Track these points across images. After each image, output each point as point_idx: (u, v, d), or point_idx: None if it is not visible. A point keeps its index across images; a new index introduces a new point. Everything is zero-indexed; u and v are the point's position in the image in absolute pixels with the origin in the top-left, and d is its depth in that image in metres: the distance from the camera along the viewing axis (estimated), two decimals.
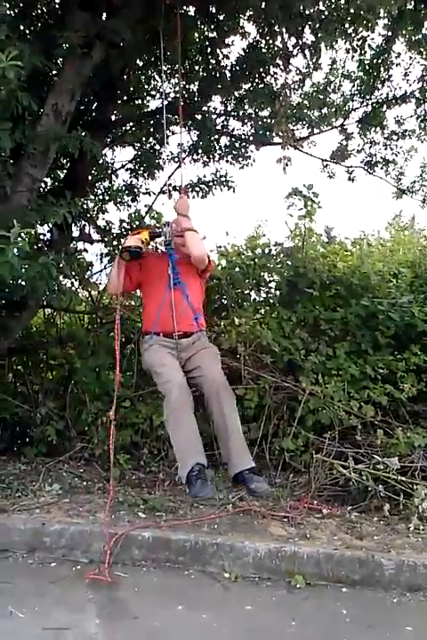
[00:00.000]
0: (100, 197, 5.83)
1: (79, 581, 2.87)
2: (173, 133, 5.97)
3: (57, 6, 4.61)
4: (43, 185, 4.36)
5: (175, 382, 3.34)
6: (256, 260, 5.20)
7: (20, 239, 3.14)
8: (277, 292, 5.27)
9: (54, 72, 4.31)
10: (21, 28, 4.26)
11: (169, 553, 3.10)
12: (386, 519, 3.67)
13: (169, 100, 5.62)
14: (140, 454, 4.46)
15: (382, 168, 6.54)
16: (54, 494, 3.77)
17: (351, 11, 5.00)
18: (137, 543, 3.12)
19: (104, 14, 4.26)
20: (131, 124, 5.71)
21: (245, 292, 5.31)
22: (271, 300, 5.29)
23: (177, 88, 5.77)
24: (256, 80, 5.72)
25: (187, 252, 3.62)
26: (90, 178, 5.20)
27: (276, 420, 4.47)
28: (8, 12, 4.06)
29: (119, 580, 2.91)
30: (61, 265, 3.99)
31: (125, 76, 5.21)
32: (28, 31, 4.36)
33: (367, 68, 6.12)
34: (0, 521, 3.25)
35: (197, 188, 5.95)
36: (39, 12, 4.55)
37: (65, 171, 4.99)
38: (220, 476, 4.22)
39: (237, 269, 5.10)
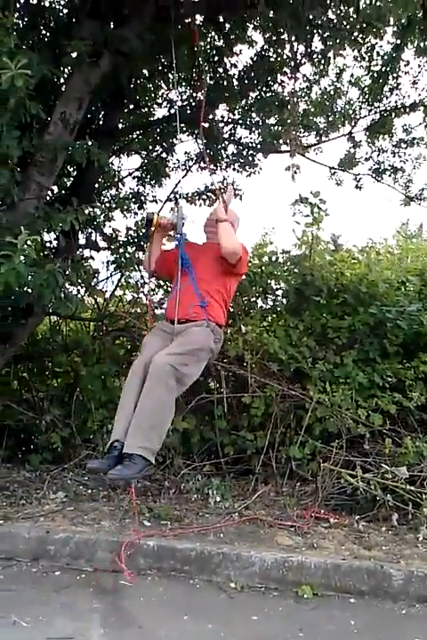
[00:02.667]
0: (107, 205, 5.84)
1: (84, 590, 2.85)
2: (181, 141, 6.00)
3: (65, 16, 4.64)
4: (50, 193, 4.37)
5: (136, 364, 3.26)
6: (263, 268, 5.19)
7: (26, 246, 3.14)
8: (284, 300, 5.25)
9: (62, 81, 4.33)
10: (30, 37, 4.29)
11: (175, 562, 3.08)
12: (394, 529, 3.64)
13: (177, 107, 5.64)
14: None
15: (390, 175, 6.51)
16: (59, 502, 3.76)
17: (361, 19, 4.99)
18: (142, 552, 3.10)
19: (112, 23, 4.28)
20: (138, 132, 5.73)
21: (252, 299, 5.29)
22: (278, 308, 5.27)
23: (186, 96, 5.81)
24: (264, 88, 5.73)
25: (215, 240, 3.51)
26: (97, 186, 5.21)
27: (282, 428, 4.44)
28: (17, 22, 4.11)
29: (124, 589, 2.88)
30: (68, 272, 3.99)
31: (132, 85, 5.23)
32: (36, 40, 4.38)
33: (376, 75, 6.11)
34: (4, 529, 3.25)
35: (204, 196, 5.95)
36: (48, 21, 4.58)
37: (72, 179, 5.01)
38: (226, 485, 4.19)
39: (243, 277, 5.08)
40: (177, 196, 5.25)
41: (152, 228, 3.53)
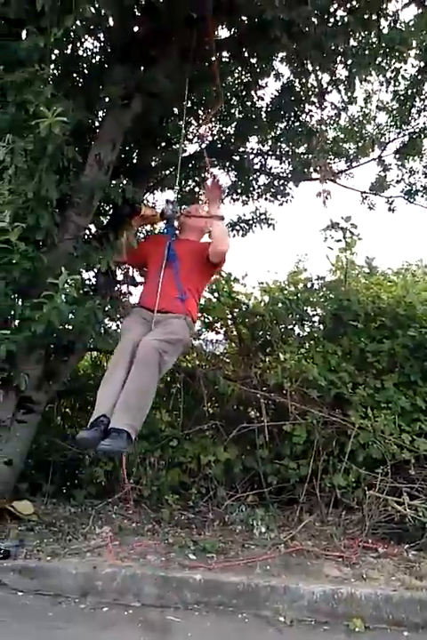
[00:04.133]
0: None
1: (132, 626, 2.84)
2: (214, 176, 6.09)
3: (98, 62, 4.83)
4: (87, 231, 4.50)
5: (121, 347, 3.30)
6: (299, 295, 5.19)
7: (67, 285, 3.24)
8: (322, 326, 5.24)
9: (96, 124, 4.49)
10: (65, 85, 4.46)
11: (222, 596, 3.04)
12: None
13: (207, 142, 5.75)
14: (188, 494, 4.43)
15: (422, 196, 6.47)
16: (105, 537, 3.77)
17: (383, 44, 5.03)
18: (189, 586, 3.07)
19: (142, 66, 4.42)
20: (171, 168, 5.86)
21: (289, 327, 5.29)
22: (316, 334, 5.26)
23: (216, 130, 5.93)
24: (292, 118, 5.80)
25: (192, 238, 3.64)
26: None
27: (325, 455, 4.38)
28: (53, 72, 4.29)
29: (172, 625, 2.86)
30: (107, 308, 4.08)
31: (163, 123, 5.37)
32: (71, 87, 4.54)
33: (402, 98, 6.12)
34: (52, 565, 3.27)
35: (238, 227, 6.03)
36: (81, 69, 4.77)
37: (108, 217, 5.13)
38: (270, 515, 4.14)
39: (280, 305, 5.09)
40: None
41: (135, 217, 3.65)
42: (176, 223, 3.61)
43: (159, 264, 3.45)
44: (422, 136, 6.26)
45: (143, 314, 3.45)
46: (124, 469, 3.67)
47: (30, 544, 3.51)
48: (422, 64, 5.72)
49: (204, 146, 5.70)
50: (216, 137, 5.95)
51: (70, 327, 3.78)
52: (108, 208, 5.06)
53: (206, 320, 5.36)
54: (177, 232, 3.63)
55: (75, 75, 4.73)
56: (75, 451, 4.74)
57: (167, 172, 5.90)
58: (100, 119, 4.54)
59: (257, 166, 6.10)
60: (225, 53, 5.13)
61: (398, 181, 6.53)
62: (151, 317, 3.36)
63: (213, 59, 4.30)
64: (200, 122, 5.47)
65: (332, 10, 4.69)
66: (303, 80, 5.65)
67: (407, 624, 2.88)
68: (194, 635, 2.78)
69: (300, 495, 4.30)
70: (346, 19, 4.57)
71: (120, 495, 4.41)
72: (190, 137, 6.02)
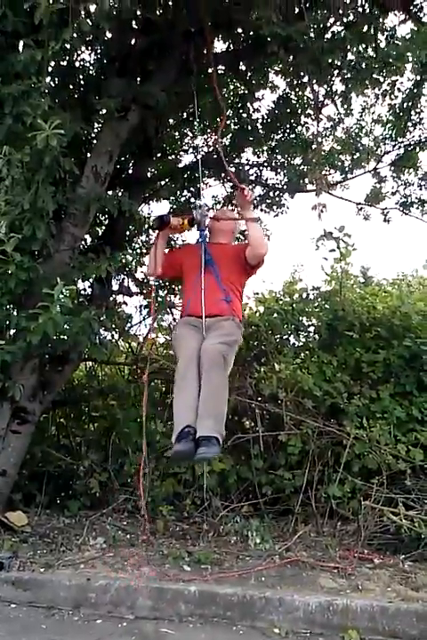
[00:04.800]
0: (138, 251, 5.97)
1: (126, 638, 2.82)
2: (209, 186, 6.14)
3: (95, 74, 4.86)
4: (83, 242, 4.51)
5: (185, 355, 3.30)
6: (294, 305, 5.21)
7: (62, 296, 3.25)
8: (317, 336, 5.24)
9: (93, 135, 4.51)
10: (62, 96, 4.49)
11: (216, 608, 3.02)
12: None
13: (203, 153, 5.79)
14: (183, 505, 4.42)
15: (417, 208, 6.52)
16: (99, 548, 3.75)
17: (380, 59, 5.08)
18: (183, 598, 3.05)
19: (139, 79, 4.46)
20: (166, 179, 5.89)
21: (284, 337, 5.29)
22: (311, 345, 5.26)
23: (211, 142, 5.98)
24: (287, 130, 5.85)
25: (223, 241, 3.65)
26: (128, 233, 5.35)
27: (320, 465, 4.37)
28: (50, 84, 4.32)
29: (166, 638, 2.84)
30: (102, 319, 4.09)
31: (159, 135, 5.40)
32: (68, 99, 4.57)
33: (398, 111, 6.18)
34: (46, 577, 3.24)
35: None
36: (78, 80, 4.80)
37: (104, 227, 5.15)
38: (265, 526, 4.12)
39: (275, 315, 5.10)
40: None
41: (164, 229, 3.60)
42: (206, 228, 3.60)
43: (197, 271, 3.47)
44: (418, 149, 6.32)
45: (192, 322, 3.45)
46: (140, 479, 3.67)
47: (24, 556, 3.48)
48: (417, 78, 5.79)
49: (199, 157, 5.75)
50: (212, 148, 5.99)
51: (65, 337, 3.78)
52: (104, 219, 5.09)
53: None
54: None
55: (72, 86, 4.76)
56: (69, 461, 4.73)
57: (163, 182, 5.94)
58: (96, 131, 4.58)
59: (253, 177, 6.15)
60: (221, 66, 5.17)
61: (393, 193, 6.59)
62: (200, 324, 3.38)
63: (211, 70, 4.34)
64: (196, 134, 5.50)
65: (329, 25, 4.76)
66: (299, 92, 5.71)
67: (403, 636, 2.87)
68: None
69: (295, 506, 4.28)
70: (343, 33, 4.62)
71: (113, 506, 4.40)
72: (186, 148, 6.07)
